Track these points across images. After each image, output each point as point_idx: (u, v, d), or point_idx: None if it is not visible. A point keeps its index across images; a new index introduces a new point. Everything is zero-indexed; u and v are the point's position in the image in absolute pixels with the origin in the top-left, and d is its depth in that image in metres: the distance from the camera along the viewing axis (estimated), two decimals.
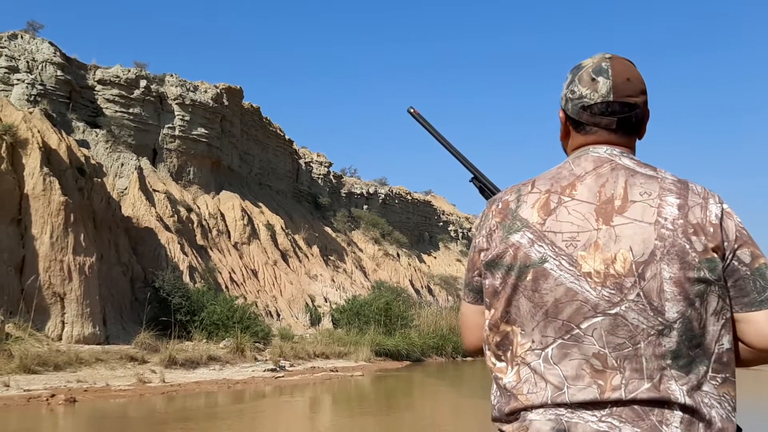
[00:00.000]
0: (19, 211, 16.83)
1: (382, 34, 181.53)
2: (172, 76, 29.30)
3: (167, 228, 24.26)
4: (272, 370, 16.96)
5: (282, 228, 31.51)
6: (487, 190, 1.63)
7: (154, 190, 25.56)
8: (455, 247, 51.15)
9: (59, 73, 24.73)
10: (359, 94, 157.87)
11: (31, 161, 17.47)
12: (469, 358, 25.64)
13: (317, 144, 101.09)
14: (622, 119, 1.28)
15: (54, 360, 13.55)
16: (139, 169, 25.43)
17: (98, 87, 26.80)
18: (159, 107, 28.30)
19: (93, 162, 21.27)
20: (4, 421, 9.56)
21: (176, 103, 28.55)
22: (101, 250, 18.74)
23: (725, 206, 1.22)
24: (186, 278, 22.60)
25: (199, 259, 25.10)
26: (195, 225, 26.70)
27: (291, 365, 18.42)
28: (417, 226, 48.44)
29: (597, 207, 1.21)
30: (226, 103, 30.96)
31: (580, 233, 1.20)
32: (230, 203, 29.57)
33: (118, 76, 26.96)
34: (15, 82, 23.51)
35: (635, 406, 1.13)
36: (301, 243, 32.81)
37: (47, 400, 10.94)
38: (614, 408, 1.13)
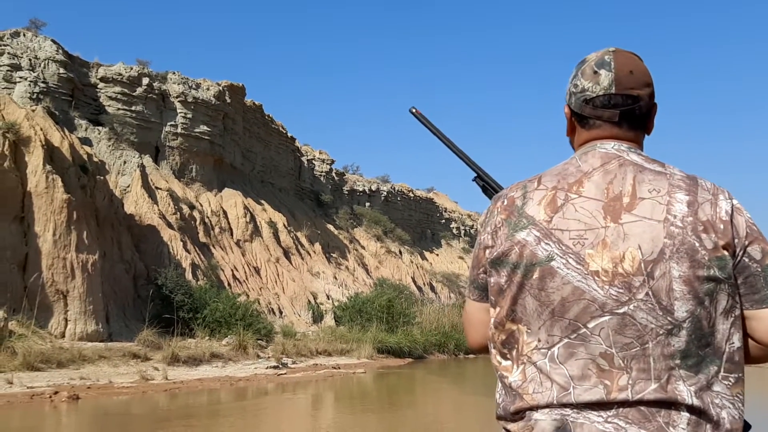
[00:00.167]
0: (22, 209, 16.86)
1: (385, 31, 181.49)
2: (174, 73, 29.31)
3: (170, 225, 24.29)
4: (275, 367, 16.98)
5: (284, 225, 31.54)
6: (490, 188, 1.62)
7: (157, 188, 25.59)
8: (457, 244, 51.16)
9: (62, 70, 24.74)
10: (361, 92, 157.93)
11: (34, 159, 17.49)
12: (471, 356, 25.65)
13: (319, 141, 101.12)
14: (625, 112, 1.26)
15: (57, 357, 13.58)
16: (142, 167, 25.45)
17: (101, 85, 26.81)
18: (161, 105, 28.31)
19: (95, 160, 21.30)
20: (8, 418, 9.59)
21: (178, 101, 28.57)
22: (104, 247, 18.77)
23: (735, 202, 1.21)
24: (188, 276, 22.63)
25: (202, 256, 25.14)
26: (197, 222, 26.73)
27: (293, 362, 18.44)
28: (419, 223, 48.44)
29: (605, 204, 1.20)
30: (229, 100, 30.96)
31: (587, 231, 1.18)
32: (232, 201, 29.60)
33: (120, 74, 26.97)
34: (17, 79, 23.53)
35: (642, 407, 1.12)
36: (304, 240, 32.83)
37: (50, 397, 10.96)
38: (621, 409, 1.12)
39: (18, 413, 9.89)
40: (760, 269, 1.17)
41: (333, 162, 42.44)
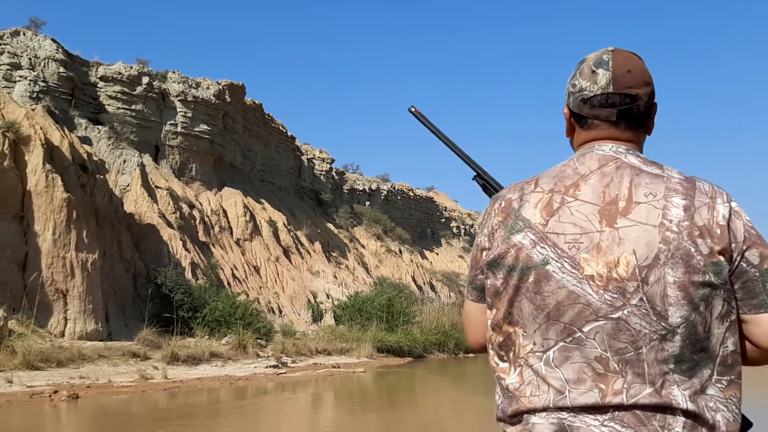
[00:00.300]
0: (21, 208, 16.86)
1: (385, 30, 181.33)
2: (174, 72, 29.29)
3: (169, 224, 24.29)
4: (274, 366, 16.98)
5: (284, 224, 31.54)
6: (489, 187, 1.61)
7: (157, 187, 25.59)
8: (457, 243, 51.17)
9: (62, 69, 24.73)
10: (362, 91, 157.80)
11: (34, 158, 17.49)
12: (471, 355, 25.66)
13: (319, 140, 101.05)
14: (623, 111, 1.25)
15: (57, 356, 13.59)
16: (142, 166, 25.45)
17: (101, 84, 26.80)
18: (161, 104, 28.30)
19: (95, 159, 21.30)
20: (7, 417, 9.59)
21: (178, 100, 28.56)
22: (103, 246, 18.78)
23: (734, 205, 1.19)
24: (188, 275, 22.64)
25: (202, 255, 25.14)
26: (197, 221, 26.73)
27: (293, 362, 18.45)
28: (419, 222, 48.44)
29: (601, 208, 1.19)
30: (229, 99, 30.95)
31: (582, 235, 1.18)
32: (232, 200, 29.59)
33: (120, 73, 26.96)
34: (17, 79, 23.52)
35: (637, 411, 1.11)
36: (304, 239, 32.83)
37: (50, 396, 10.97)
38: (616, 412, 1.12)
39: (18, 412, 9.90)
40: (758, 274, 1.16)
41: (333, 161, 42.44)
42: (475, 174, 1.65)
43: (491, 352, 1.28)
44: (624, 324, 1.13)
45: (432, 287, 40.64)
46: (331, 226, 37.79)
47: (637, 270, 1.13)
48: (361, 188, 43.96)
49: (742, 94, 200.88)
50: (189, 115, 28.62)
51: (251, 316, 20.48)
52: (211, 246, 26.68)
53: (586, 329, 1.15)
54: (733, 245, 1.15)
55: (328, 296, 29.69)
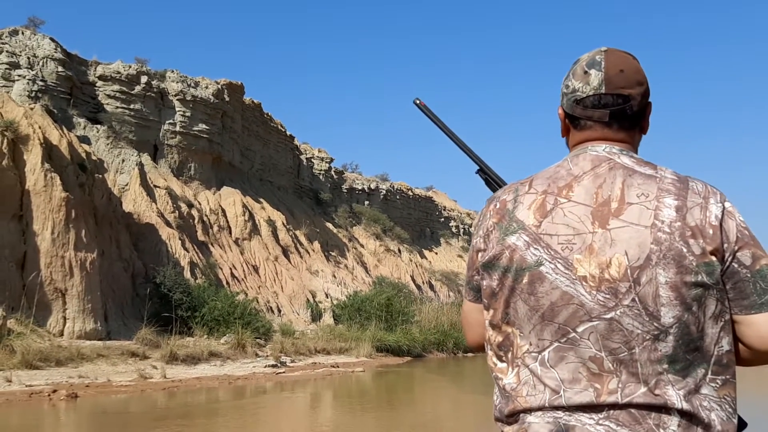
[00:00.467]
0: (20, 207, 16.85)
1: (383, 29, 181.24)
2: (173, 72, 29.28)
3: (168, 224, 24.29)
4: (273, 365, 16.99)
5: (283, 224, 31.53)
6: (492, 181, 1.62)
7: (155, 186, 25.58)
8: (456, 242, 51.18)
9: (60, 69, 24.72)
10: (360, 90, 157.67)
11: (32, 157, 17.48)
12: (470, 354, 25.67)
13: (318, 140, 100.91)
14: (615, 112, 1.25)
15: (55, 356, 13.59)
16: (140, 165, 25.44)
17: (99, 83, 26.78)
18: (160, 103, 28.29)
19: (94, 158, 21.28)
20: (6, 416, 9.59)
21: (177, 99, 28.55)
22: (102, 246, 18.77)
23: (727, 205, 1.19)
24: (187, 274, 22.64)
25: (200, 255, 25.14)
26: (196, 221, 26.73)
27: (292, 361, 18.45)
28: (418, 221, 48.45)
29: (593, 209, 1.19)
30: (227, 98, 30.94)
31: (575, 236, 1.18)
32: (231, 199, 29.59)
33: (119, 72, 26.94)
34: (16, 78, 23.51)
35: (632, 410, 1.12)
36: (302, 239, 32.83)
37: (49, 395, 10.97)
38: (611, 411, 1.13)
39: (17, 411, 9.90)
40: (749, 275, 1.16)
41: (332, 160, 42.43)
42: (478, 168, 1.66)
43: (490, 352, 1.29)
44: (617, 324, 1.14)
45: (431, 287, 40.65)
46: (330, 225, 37.79)
47: (629, 271, 1.14)
48: (360, 187, 43.95)
49: (742, 94, 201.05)
50: (188, 114, 28.61)
51: (250, 316, 20.49)
52: (209, 245, 26.68)
53: (580, 329, 1.16)
54: (725, 245, 1.15)
55: (327, 296, 29.70)
